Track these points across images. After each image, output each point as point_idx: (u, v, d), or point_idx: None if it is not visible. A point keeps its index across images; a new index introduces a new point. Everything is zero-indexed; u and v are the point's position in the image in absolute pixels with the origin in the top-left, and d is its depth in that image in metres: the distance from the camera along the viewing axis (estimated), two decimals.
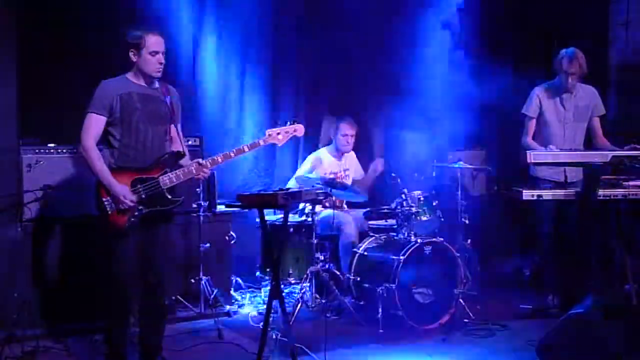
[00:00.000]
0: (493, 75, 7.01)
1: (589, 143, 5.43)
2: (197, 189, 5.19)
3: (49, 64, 5.05)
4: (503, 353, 4.50)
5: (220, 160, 3.99)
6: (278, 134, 4.12)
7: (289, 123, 4.16)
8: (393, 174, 5.41)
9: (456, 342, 4.69)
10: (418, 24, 6.65)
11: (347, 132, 5.86)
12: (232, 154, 4.00)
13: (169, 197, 3.91)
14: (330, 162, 5.94)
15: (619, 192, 4.78)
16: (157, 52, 3.88)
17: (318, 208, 5.55)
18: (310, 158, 5.98)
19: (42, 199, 4.66)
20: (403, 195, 5.26)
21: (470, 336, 4.80)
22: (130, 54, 3.89)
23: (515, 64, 6.92)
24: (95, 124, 3.84)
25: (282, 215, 4.57)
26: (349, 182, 5.95)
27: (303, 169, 5.89)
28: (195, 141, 5.39)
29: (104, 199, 3.78)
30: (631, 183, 4.77)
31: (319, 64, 6.58)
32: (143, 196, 3.83)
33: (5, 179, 4.67)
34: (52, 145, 4.86)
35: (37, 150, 4.79)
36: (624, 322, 4.03)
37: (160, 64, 3.91)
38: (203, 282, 5.19)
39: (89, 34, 5.17)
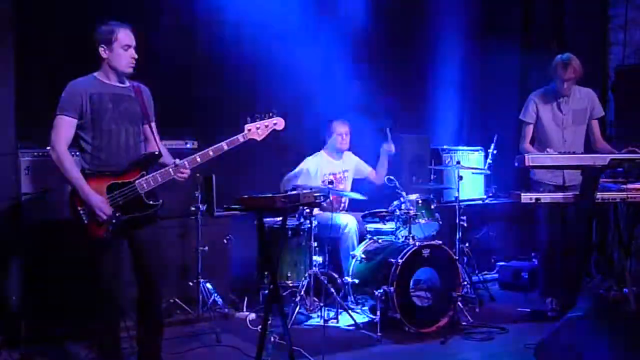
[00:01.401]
0: (493, 76, 7.03)
1: (588, 146, 5.43)
2: (196, 192, 5.17)
3: (47, 66, 5.03)
4: (502, 356, 4.50)
5: (198, 160, 3.78)
6: (257, 128, 3.89)
7: (267, 116, 3.94)
8: (391, 177, 5.40)
9: (454, 345, 4.68)
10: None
11: (340, 130, 5.85)
12: (211, 153, 3.81)
13: (147, 201, 3.75)
14: (329, 164, 5.92)
15: (618, 195, 4.78)
16: (129, 46, 3.75)
17: (316, 211, 5.54)
18: (307, 162, 5.85)
19: (41, 201, 4.65)
20: (401, 198, 5.26)
21: (469, 339, 4.79)
22: (100, 50, 3.76)
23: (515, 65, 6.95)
24: (66, 127, 3.71)
25: (280, 218, 4.55)
26: (347, 182, 5.94)
27: (297, 173, 5.77)
28: (193, 144, 5.33)
29: (79, 209, 3.65)
30: (630, 186, 4.76)
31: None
32: (120, 202, 3.68)
33: (3, 182, 4.66)
34: (50, 147, 4.83)
35: (35, 153, 4.77)
36: (622, 324, 4.02)
37: (133, 58, 3.77)
38: (201, 285, 5.19)
39: (88, 36, 5.14)
